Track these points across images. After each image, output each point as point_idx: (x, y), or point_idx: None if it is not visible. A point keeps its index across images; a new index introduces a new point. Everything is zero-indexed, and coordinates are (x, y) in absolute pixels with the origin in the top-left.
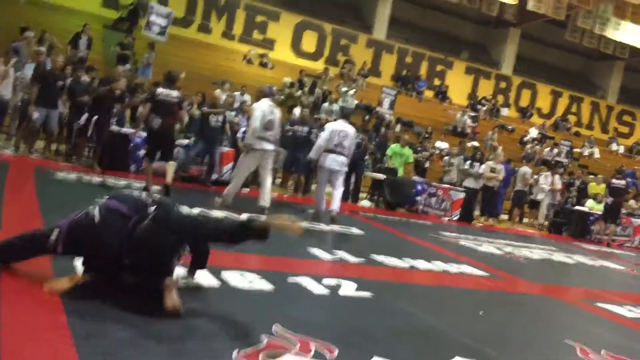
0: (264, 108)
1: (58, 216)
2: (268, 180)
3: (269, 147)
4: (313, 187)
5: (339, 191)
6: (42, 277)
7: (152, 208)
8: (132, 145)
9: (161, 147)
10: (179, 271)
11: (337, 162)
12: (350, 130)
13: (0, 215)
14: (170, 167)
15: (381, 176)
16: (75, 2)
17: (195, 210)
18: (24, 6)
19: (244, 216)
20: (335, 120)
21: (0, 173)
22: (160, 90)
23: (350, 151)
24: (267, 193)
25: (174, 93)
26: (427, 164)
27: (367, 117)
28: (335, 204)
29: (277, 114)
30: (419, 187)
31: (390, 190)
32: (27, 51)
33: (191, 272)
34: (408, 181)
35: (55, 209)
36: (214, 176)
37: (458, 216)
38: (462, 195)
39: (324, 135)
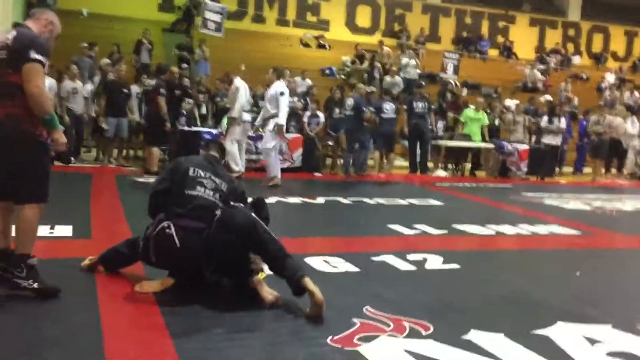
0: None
1: (142, 220)
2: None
3: (248, 117)
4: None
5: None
6: (135, 282)
7: (218, 211)
8: (203, 143)
9: (147, 133)
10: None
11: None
12: None
13: (89, 224)
14: (150, 152)
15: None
16: (133, 11)
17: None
18: (86, 19)
19: (293, 263)
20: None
21: (84, 184)
22: (147, 81)
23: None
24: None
25: (152, 82)
26: (496, 122)
27: (445, 89)
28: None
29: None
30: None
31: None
32: (84, 63)
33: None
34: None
35: (139, 213)
36: (286, 164)
37: (526, 168)
38: (526, 146)
39: (287, 100)
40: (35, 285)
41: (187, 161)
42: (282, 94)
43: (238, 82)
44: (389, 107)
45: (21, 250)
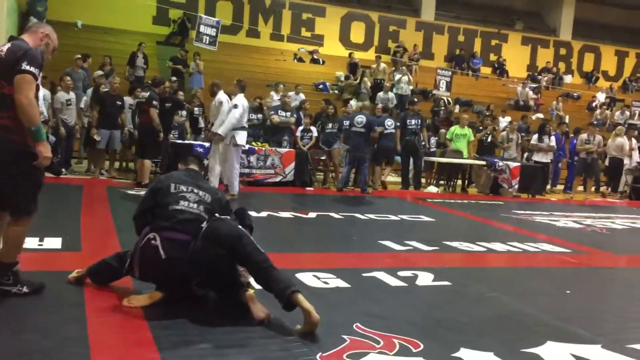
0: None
1: (133, 233)
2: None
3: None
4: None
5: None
6: (123, 295)
7: (205, 223)
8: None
9: (140, 145)
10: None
11: (245, 138)
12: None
13: (79, 237)
14: (142, 165)
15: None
16: (128, 23)
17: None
18: (80, 31)
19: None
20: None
21: (75, 196)
22: (141, 93)
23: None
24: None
25: (145, 93)
26: (489, 139)
27: (442, 105)
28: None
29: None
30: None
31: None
32: (77, 75)
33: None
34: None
35: (130, 226)
36: (278, 178)
37: (517, 185)
38: (517, 164)
39: (237, 113)
40: (25, 289)
41: (167, 178)
42: (235, 106)
43: (222, 95)
44: (390, 123)
45: (8, 260)
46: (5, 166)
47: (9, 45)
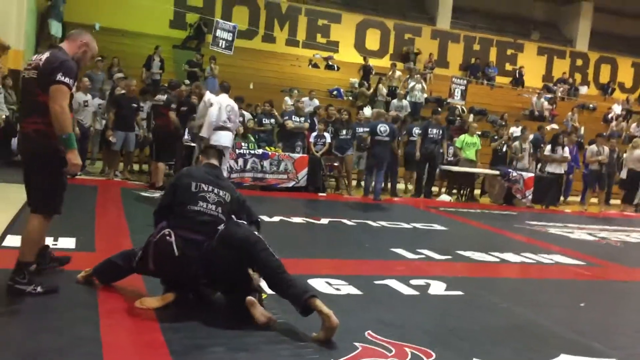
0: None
1: (146, 234)
2: None
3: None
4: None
5: (226, 166)
6: (135, 297)
7: (222, 226)
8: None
9: (155, 148)
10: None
11: (228, 139)
12: (234, 104)
13: (93, 237)
14: (156, 167)
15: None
16: (145, 26)
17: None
18: (98, 34)
19: (299, 284)
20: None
21: (89, 196)
22: (157, 96)
23: (236, 125)
24: None
25: (162, 97)
26: (504, 149)
27: (458, 114)
28: None
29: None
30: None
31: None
32: (97, 76)
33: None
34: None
35: (144, 228)
36: (291, 183)
37: (531, 196)
38: (531, 174)
39: (213, 111)
40: (39, 289)
41: (189, 176)
42: (211, 104)
43: (207, 95)
44: (416, 132)
45: (26, 259)
46: (35, 166)
47: (47, 54)
